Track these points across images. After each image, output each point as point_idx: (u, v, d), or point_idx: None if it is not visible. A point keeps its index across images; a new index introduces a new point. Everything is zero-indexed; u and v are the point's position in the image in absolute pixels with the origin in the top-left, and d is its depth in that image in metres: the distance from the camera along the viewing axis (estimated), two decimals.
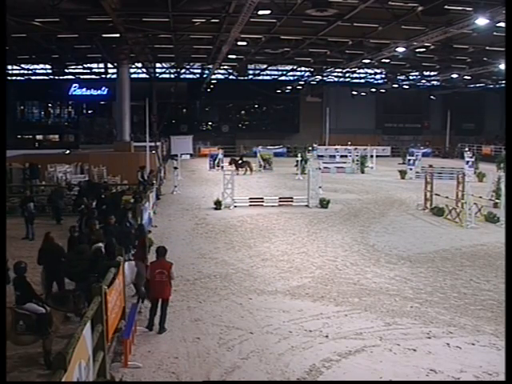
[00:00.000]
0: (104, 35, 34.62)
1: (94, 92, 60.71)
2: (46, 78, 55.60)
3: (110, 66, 50.14)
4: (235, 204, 27.06)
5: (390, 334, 11.33)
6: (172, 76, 57.78)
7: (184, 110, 67.70)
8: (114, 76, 43.82)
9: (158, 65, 54.54)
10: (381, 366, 9.88)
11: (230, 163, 41.43)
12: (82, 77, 57.27)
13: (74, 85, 59.95)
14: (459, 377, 9.48)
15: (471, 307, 13.16)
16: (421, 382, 9.30)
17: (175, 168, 34.28)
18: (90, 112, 63.90)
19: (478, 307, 13.18)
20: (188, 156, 49.06)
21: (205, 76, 58.04)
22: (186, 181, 36.90)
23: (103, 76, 55.16)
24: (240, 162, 41.98)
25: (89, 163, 32.28)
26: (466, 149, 49.74)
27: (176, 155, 39.89)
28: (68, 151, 37.10)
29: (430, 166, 37.58)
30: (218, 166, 44.53)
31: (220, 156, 46.80)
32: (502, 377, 9.49)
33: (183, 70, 56.55)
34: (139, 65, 51.31)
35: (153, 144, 37.56)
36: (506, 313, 6.67)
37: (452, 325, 11.93)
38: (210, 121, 68.61)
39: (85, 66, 52.25)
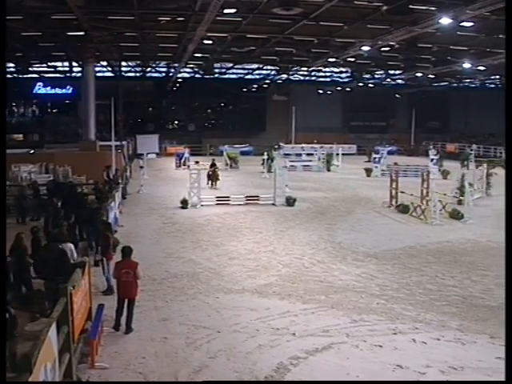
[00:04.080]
0: (69, 33, 34.12)
1: (58, 91, 59.76)
2: (9, 76, 54.62)
3: (74, 64, 49.40)
4: (202, 203, 26.97)
5: (356, 331, 11.42)
6: (138, 75, 57.29)
7: (150, 109, 67.19)
8: (79, 74, 43.21)
9: (123, 63, 53.90)
10: (348, 363, 9.95)
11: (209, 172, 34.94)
12: (46, 75, 56.38)
13: (39, 83, 58.98)
14: (425, 372, 9.60)
15: (436, 303, 13.35)
16: (421, 382, 9.35)
17: (141, 167, 34.07)
18: (54, 111, 62.91)
19: (443, 303, 13.37)
20: (154, 155, 48.76)
21: (171, 74, 57.69)
22: (152, 180, 36.64)
23: (68, 74, 54.37)
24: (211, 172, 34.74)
25: (54, 163, 31.79)
26: (431, 146, 50.40)
27: (142, 154, 39.61)
28: (32, 151, 36.51)
29: (396, 163, 37.92)
30: (185, 165, 44.35)
31: (186, 155, 46.61)
32: (467, 371, 9.67)
33: (149, 69, 56.18)
34: (105, 63, 50.72)
35: (119, 143, 37.18)
36: (506, 313, 6.77)
37: (418, 321, 12.08)
38: (176, 119, 68.26)
39: (49, 64, 51.40)
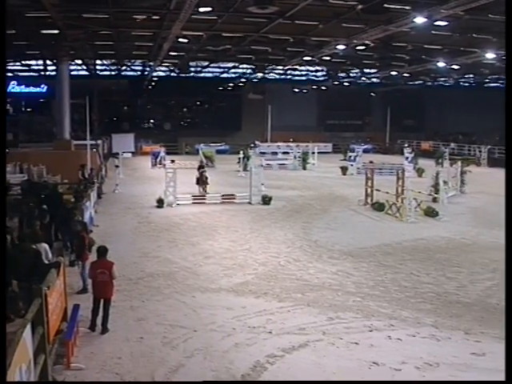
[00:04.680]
0: (43, 31, 33.77)
1: (33, 89, 58.90)
2: None
3: (49, 62, 48.84)
4: (178, 202, 26.89)
5: (332, 329, 11.47)
6: (113, 73, 56.92)
7: (125, 108, 66.77)
8: (54, 73, 42.80)
9: (98, 62, 53.54)
10: (324, 361, 9.99)
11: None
12: (20, 74, 55.71)
13: (12, 82, 58.13)
14: (401, 368, 9.67)
15: (412, 300, 13.45)
16: (420, 381, 9.42)
17: (117, 166, 33.80)
18: (29, 110, 62.07)
19: (418, 300, 13.48)
20: (130, 154, 48.44)
21: (146, 73, 57.44)
22: (127, 179, 36.42)
23: (42, 73, 53.75)
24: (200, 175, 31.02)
25: (28, 162, 31.46)
26: (406, 145, 50.69)
27: (117, 153, 39.31)
28: (7, 150, 36.09)
29: (371, 162, 37.96)
30: (160, 164, 44.18)
31: (162, 154, 46.44)
32: (441, 366, 9.76)
33: (124, 67, 55.78)
34: (79, 62, 50.32)
35: (94, 142, 36.92)
36: (506, 313, 6.83)
37: (393, 318, 12.17)
38: (152, 118, 67.97)
39: (23, 62, 50.82)
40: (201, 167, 32.08)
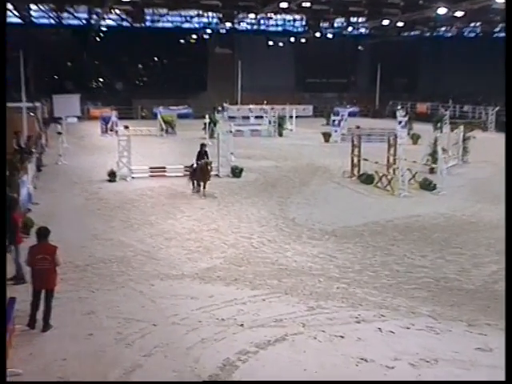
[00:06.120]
0: None
1: None
2: None
3: None
4: (133, 175, 26.74)
5: (314, 320, 11.53)
6: (52, 22, 55.88)
7: (68, 64, 65.77)
8: None
9: (33, 7, 52.46)
10: (305, 357, 10.05)
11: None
12: None
13: None
14: (393, 365, 9.76)
15: (405, 286, 13.59)
16: (420, 382, 9.49)
17: (59, 133, 33.40)
18: None
19: (412, 286, 13.62)
20: (75, 119, 47.95)
21: (93, 22, 56.58)
22: (73, 148, 36.01)
23: None
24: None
25: None
26: (399, 107, 50.82)
27: (60, 118, 38.83)
28: None
29: (358, 127, 38.29)
30: (112, 131, 43.78)
31: (114, 119, 45.97)
32: (440, 363, 9.87)
33: (66, 15, 54.80)
34: (10, 6, 49.23)
35: (31, 104, 36.37)
36: (506, 312, 6.87)
37: (384, 307, 12.28)
38: (100, 77, 67.09)
39: None
40: (202, 154, 24.67)
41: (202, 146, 25.18)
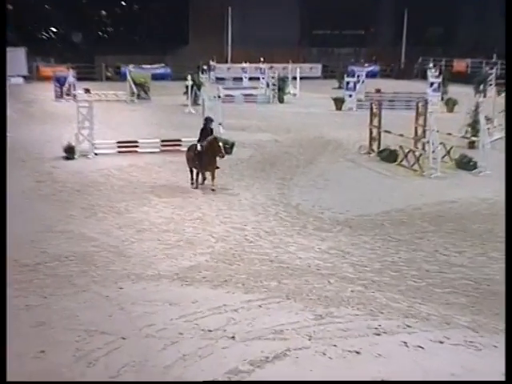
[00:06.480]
0: None
1: None
2: None
3: None
4: (96, 151, 26.75)
5: (322, 331, 11.55)
6: None
7: (10, 8, 65.31)
8: None
9: None
10: (311, 377, 10.08)
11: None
12: None
13: None
14: None
15: (437, 290, 13.57)
16: (420, 381, 9.55)
17: None
18: None
19: (446, 290, 13.59)
20: (20, 79, 47.85)
21: None
22: (19, 117, 36.03)
23: None
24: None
25: None
26: (431, 65, 50.81)
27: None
28: None
29: (378, 90, 38.34)
30: (69, 95, 43.72)
31: (71, 79, 45.88)
32: None
33: None
34: None
35: None
36: (506, 312, 6.91)
37: (410, 315, 12.26)
38: (52, 26, 66.71)
39: None
40: (206, 131, 22.68)
41: (207, 120, 23.11)
